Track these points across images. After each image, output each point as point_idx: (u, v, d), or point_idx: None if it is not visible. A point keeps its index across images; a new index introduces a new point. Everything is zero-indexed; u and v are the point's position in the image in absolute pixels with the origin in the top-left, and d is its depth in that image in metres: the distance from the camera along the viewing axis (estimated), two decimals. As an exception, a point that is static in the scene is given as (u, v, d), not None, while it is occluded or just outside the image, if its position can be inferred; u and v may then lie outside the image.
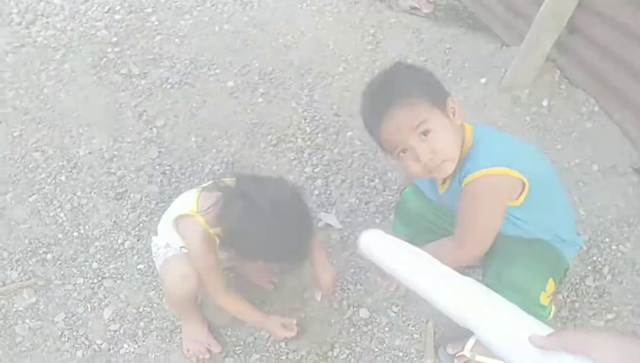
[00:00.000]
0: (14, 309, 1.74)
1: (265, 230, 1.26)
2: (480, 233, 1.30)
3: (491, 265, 1.41)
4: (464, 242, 1.32)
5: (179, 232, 1.43)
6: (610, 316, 1.65)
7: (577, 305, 1.69)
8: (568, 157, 2.09)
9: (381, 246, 1.20)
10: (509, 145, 1.35)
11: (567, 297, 1.70)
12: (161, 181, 2.08)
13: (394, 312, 1.71)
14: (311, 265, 1.59)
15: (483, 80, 2.41)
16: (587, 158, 2.07)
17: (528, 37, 2.15)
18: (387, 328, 1.68)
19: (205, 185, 1.49)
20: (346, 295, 1.76)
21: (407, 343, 1.65)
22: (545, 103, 2.26)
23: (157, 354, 1.65)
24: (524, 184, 1.27)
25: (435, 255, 1.38)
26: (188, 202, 1.43)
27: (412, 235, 1.69)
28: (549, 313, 1.39)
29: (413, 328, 1.67)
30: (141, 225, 1.95)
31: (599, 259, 1.78)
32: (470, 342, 1.55)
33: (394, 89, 1.27)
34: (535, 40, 2.14)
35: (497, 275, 1.35)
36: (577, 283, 1.73)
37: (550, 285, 1.36)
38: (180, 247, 1.47)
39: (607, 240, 1.82)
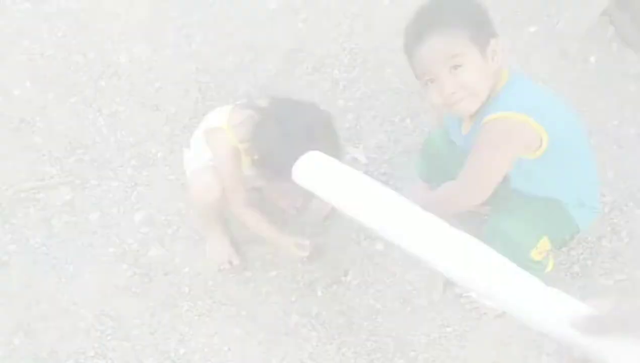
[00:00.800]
0: (52, 203, 1.86)
1: (297, 153, 1.30)
2: (482, 175, 1.29)
3: (491, 217, 1.44)
4: (465, 185, 1.32)
5: (208, 144, 1.49)
6: (620, 277, 1.68)
7: (589, 262, 1.72)
8: (607, 117, 2.04)
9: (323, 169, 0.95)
10: (537, 96, 1.34)
11: (581, 254, 1.73)
12: (196, 97, 2.12)
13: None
14: None
15: (532, 29, 2.32)
16: (625, 121, 2.02)
17: (587, -13, 2.05)
18: (399, 262, 1.75)
19: (238, 102, 1.53)
20: (364, 228, 1.82)
21: (418, 278, 1.72)
22: (592, 59, 2.18)
23: (182, 259, 1.76)
24: (541, 139, 1.26)
25: (438, 199, 1.43)
26: (220, 116, 1.49)
27: (432, 177, 1.72)
28: (545, 268, 1.43)
29: (424, 266, 1.73)
30: (174, 138, 2.02)
31: (619, 222, 1.79)
32: (478, 284, 1.60)
33: (438, 15, 1.27)
34: (593, -9, 2.03)
35: (493, 226, 1.38)
36: (592, 242, 1.75)
37: (544, 243, 1.38)
38: (209, 159, 1.54)
39: (630, 204, 1.82)
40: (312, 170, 0.95)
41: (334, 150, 1.39)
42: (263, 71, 2.20)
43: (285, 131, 1.32)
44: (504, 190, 1.39)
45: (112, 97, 2.09)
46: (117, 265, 1.74)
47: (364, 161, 1.97)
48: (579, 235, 1.73)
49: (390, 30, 2.35)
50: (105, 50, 2.20)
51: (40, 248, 1.77)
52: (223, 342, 1.64)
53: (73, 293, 1.71)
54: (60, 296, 1.71)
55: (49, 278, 1.73)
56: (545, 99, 1.34)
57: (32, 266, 1.74)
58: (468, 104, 1.28)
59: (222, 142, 1.44)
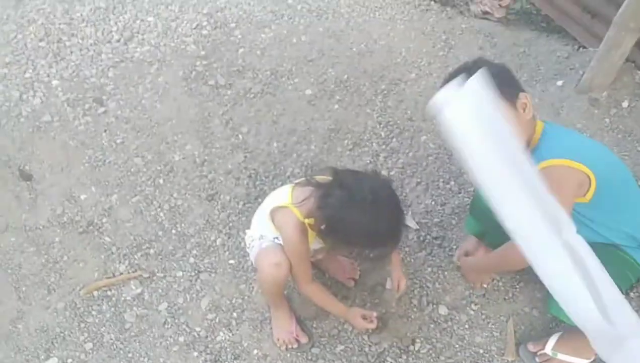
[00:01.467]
0: (123, 298, 1.95)
1: (366, 216, 1.38)
2: None
3: None
4: None
5: (274, 223, 1.57)
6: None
7: (662, 307, 1.67)
8: (651, 159, 2.06)
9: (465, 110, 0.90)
10: (574, 140, 1.42)
11: (653, 299, 1.69)
12: (247, 183, 2.24)
13: (473, 310, 1.77)
14: (388, 265, 1.71)
15: (559, 83, 2.41)
16: (671, 160, 2.03)
17: (607, 38, 2.14)
18: (467, 325, 1.74)
19: (297, 181, 1.62)
20: (425, 292, 1.84)
21: (488, 340, 1.70)
22: (625, 104, 2.23)
23: (250, 342, 1.80)
24: (589, 179, 1.30)
25: (501, 258, 1.47)
26: (283, 195, 1.57)
27: (483, 232, 1.75)
28: None
29: (493, 326, 1.72)
30: (231, 224, 2.12)
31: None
32: (552, 340, 1.58)
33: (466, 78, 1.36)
34: (614, 41, 2.12)
35: None
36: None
37: None
38: (274, 238, 1.61)
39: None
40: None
41: (399, 213, 1.45)
42: (307, 152, 2.33)
43: (351, 197, 1.40)
44: None
45: (170, 193, 2.23)
46: (189, 353, 1.79)
47: (415, 227, 2.01)
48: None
49: (420, 100, 2.49)
50: (160, 151, 2.37)
51: (115, 343, 1.84)
52: (298, 423, 1.63)
53: (148, 385, 1.75)
54: (136, 390, 1.75)
55: (125, 373, 1.79)
56: (583, 142, 1.41)
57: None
58: None
59: (288, 219, 1.52)
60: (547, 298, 1.55)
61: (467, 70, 1.42)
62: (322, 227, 1.46)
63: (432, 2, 3.12)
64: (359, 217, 1.39)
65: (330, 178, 1.56)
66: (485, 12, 3.00)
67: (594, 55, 2.31)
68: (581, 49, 2.57)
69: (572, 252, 0.85)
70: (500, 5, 2.98)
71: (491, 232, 1.72)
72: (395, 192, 1.48)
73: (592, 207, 1.36)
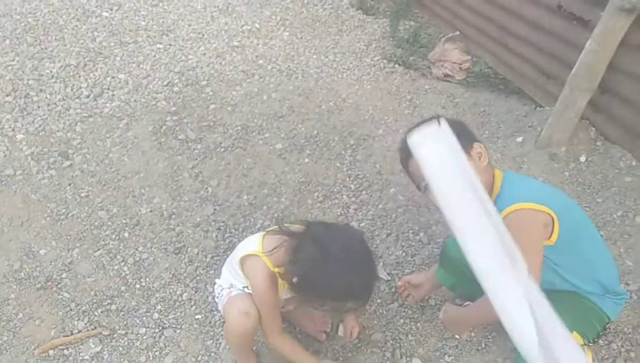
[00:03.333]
0: (80, 358, 1.83)
1: (338, 272, 1.36)
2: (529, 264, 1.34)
3: None
4: None
5: (244, 271, 1.53)
6: (668, 365, 1.63)
7: (632, 354, 1.67)
8: (610, 210, 2.13)
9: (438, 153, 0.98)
10: (534, 185, 1.51)
11: (622, 346, 1.70)
12: (216, 236, 2.20)
13: (447, 362, 1.73)
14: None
15: (519, 139, 2.52)
16: (629, 210, 2.11)
17: (562, 98, 2.28)
18: (441, 377, 1.69)
19: (269, 229, 1.60)
20: (398, 345, 1.80)
21: (462, 392, 1.65)
22: (582, 159, 2.34)
23: (216, 402, 1.69)
24: (552, 219, 1.34)
25: (481, 308, 1.46)
26: (253, 243, 1.54)
27: (454, 283, 1.75)
28: None
29: (467, 376, 1.68)
30: (198, 277, 2.06)
31: (651, 308, 1.78)
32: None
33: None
34: (569, 101, 2.25)
35: None
36: (629, 333, 1.73)
37: (575, 338, 1.38)
38: (244, 287, 1.56)
39: (657, 289, 1.83)
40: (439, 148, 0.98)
41: (371, 268, 1.44)
42: (277, 204, 2.32)
43: (324, 252, 1.38)
44: None
45: (135, 247, 2.16)
46: (150, 416, 1.67)
47: (387, 278, 2.00)
48: (614, 326, 1.72)
49: (388, 154, 2.55)
50: (127, 205, 2.33)
51: (69, 408, 1.71)
52: None
53: None
54: None
55: None
56: (543, 186, 1.48)
57: None
58: None
59: (258, 267, 1.48)
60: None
61: (420, 123, 1.50)
62: (294, 280, 1.43)
63: (397, 65, 3.27)
64: (332, 273, 1.37)
65: (302, 226, 1.54)
66: (447, 75, 3.17)
67: (550, 113, 2.44)
68: (538, 108, 2.71)
69: (525, 289, 0.90)
70: (460, 68, 3.15)
71: (461, 284, 1.73)
72: (368, 246, 1.47)
73: (557, 250, 1.39)
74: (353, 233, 1.47)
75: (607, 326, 1.51)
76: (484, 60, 3.19)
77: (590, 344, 1.47)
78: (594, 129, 2.40)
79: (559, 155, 2.36)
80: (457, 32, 3.30)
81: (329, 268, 1.37)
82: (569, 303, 1.44)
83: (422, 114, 2.81)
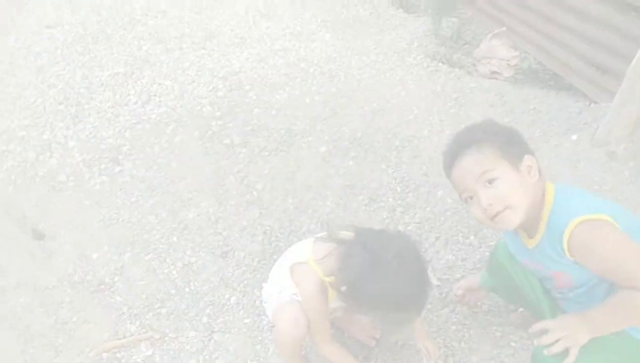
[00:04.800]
0: (133, 361, 1.86)
1: (390, 281, 1.32)
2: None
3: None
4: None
5: (293, 279, 1.52)
6: None
7: None
8: (676, 211, 2.01)
9: None
10: (593, 198, 1.35)
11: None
12: (262, 240, 2.21)
13: (503, 370, 1.67)
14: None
15: (574, 137, 2.41)
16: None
17: (620, 92, 2.17)
18: (496, 386, 1.63)
19: (318, 235, 1.58)
20: (450, 352, 1.75)
21: (519, 402, 1.59)
22: (643, 157, 2.22)
23: (266, 407, 1.69)
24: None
25: (625, 316, 1.25)
26: (303, 250, 1.53)
27: (494, 286, 1.69)
28: None
29: (522, 386, 1.62)
30: (245, 281, 2.06)
31: None
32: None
33: (468, 139, 1.35)
34: (628, 95, 2.14)
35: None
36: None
37: None
38: (293, 294, 1.55)
39: None
40: None
41: (424, 278, 1.39)
42: (322, 208, 2.31)
43: (375, 260, 1.34)
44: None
45: (184, 250, 2.19)
46: (201, 420, 1.68)
47: (436, 283, 1.95)
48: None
49: (434, 156, 2.49)
50: (175, 209, 2.36)
51: (123, 410, 1.74)
52: None
53: None
54: None
55: None
56: (602, 201, 1.35)
57: None
58: (508, 217, 1.29)
59: (308, 276, 1.46)
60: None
61: (470, 128, 1.43)
62: (342, 289, 1.41)
63: (440, 64, 3.20)
64: (383, 282, 1.33)
65: (352, 233, 1.52)
66: (494, 72, 3.07)
67: (607, 109, 2.33)
68: (592, 104, 2.59)
69: None
70: (508, 65, 3.05)
71: (502, 287, 1.67)
72: (421, 254, 1.42)
73: None
74: (405, 240, 1.42)
75: None
76: (533, 55, 3.08)
77: None
78: (655, 125, 2.27)
79: (617, 154, 2.25)
80: (504, 28, 3.20)
81: (380, 277, 1.33)
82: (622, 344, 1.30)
83: (469, 114, 2.73)
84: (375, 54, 3.28)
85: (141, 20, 3.57)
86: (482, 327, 1.79)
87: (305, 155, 2.55)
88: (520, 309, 1.77)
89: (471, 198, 1.33)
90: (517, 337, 1.75)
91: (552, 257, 1.31)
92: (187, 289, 2.06)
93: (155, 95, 2.94)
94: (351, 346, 1.78)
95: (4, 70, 3.18)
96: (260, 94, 2.91)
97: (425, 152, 2.52)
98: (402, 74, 3.10)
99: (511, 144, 1.35)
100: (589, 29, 2.55)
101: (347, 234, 1.52)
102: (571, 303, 1.40)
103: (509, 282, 1.60)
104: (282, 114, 2.78)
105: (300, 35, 3.46)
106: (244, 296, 2.01)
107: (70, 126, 2.80)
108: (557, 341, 1.25)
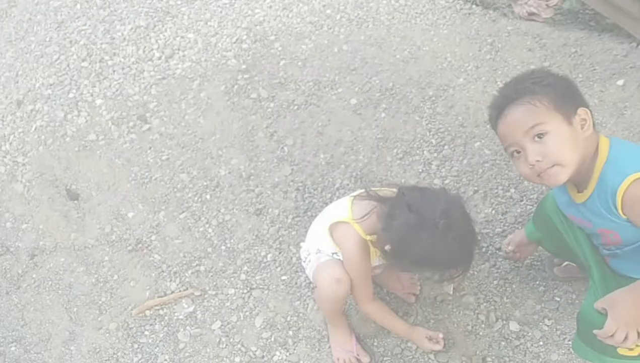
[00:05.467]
0: (175, 317, 1.90)
1: (437, 242, 1.30)
2: None
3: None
4: None
5: (333, 239, 1.50)
6: None
7: None
8: None
9: None
10: None
11: None
12: (295, 197, 2.18)
13: (547, 326, 1.66)
14: None
15: (620, 82, 2.28)
16: None
17: (674, 33, 2.02)
18: (541, 342, 1.62)
19: (355, 193, 1.55)
20: (492, 307, 1.73)
21: (565, 358, 1.58)
22: (696, 102, 2.09)
23: (307, 362, 1.71)
24: None
25: None
26: (342, 209, 1.50)
27: (540, 238, 1.63)
28: None
29: (570, 343, 1.60)
30: (281, 239, 2.06)
31: None
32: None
33: (521, 88, 1.27)
34: (682, 36, 1.99)
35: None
36: None
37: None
38: (332, 253, 1.53)
39: None
40: None
41: (472, 236, 1.36)
42: (355, 163, 2.26)
43: (421, 218, 1.31)
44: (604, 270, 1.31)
45: (217, 209, 2.19)
46: (245, 374, 1.72)
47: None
48: None
49: (470, 105, 2.39)
50: (206, 167, 2.34)
51: (168, 364, 1.79)
52: None
53: (204, 408, 1.69)
54: (192, 413, 1.69)
55: (179, 396, 1.73)
56: None
57: (162, 384, 1.75)
58: (556, 174, 1.22)
59: (349, 236, 1.44)
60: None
61: (524, 77, 1.34)
62: (387, 248, 1.38)
63: (474, 6, 3.03)
64: (429, 243, 1.30)
65: (392, 190, 1.48)
66: (531, 13, 2.89)
67: (655, 51, 2.18)
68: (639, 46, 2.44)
69: None
70: (547, 6, 2.87)
71: (548, 239, 1.62)
72: (467, 213, 1.38)
73: None
74: (451, 198, 1.38)
75: None
76: (574, -6, 2.88)
77: None
78: None
79: (668, 99, 2.13)
80: (542, -35, 2.99)
81: (425, 237, 1.30)
82: None
83: (506, 59, 2.60)
84: (404, -2, 3.12)
85: (159, -31, 3.44)
86: (525, 281, 1.76)
87: (336, 108, 2.48)
88: (565, 263, 1.73)
89: (518, 152, 1.27)
90: (562, 291, 1.72)
91: (601, 214, 1.25)
92: (223, 247, 2.06)
93: (178, 49, 2.86)
94: (391, 302, 1.78)
95: (25, 29, 3.12)
96: (285, 45, 2.80)
97: (461, 102, 2.42)
98: (434, 18, 2.95)
99: (565, 96, 1.27)
100: (638, -37, 2.36)
101: (387, 191, 1.48)
102: (620, 260, 1.35)
103: (556, 235, 1.55)
104: (309, 65, 2.69)
105: (324, -21, 3.30)
106: (280, 253, 2.01)
107: (95, 84, 2.76)
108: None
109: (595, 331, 1.21)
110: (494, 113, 1.33)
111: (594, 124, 1.27)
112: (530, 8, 2.90)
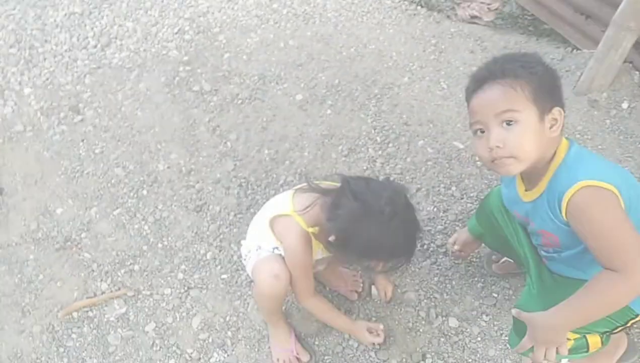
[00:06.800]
0: (106, 319, 1.79)
1: (383, 229, 1.27)
2: (633, 245, 1.10)
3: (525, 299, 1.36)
4: (626, 267, 1.09)
5: (274, 233, 1.45)
6: None
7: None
8: (654, 160, 2.01)
9: None
10: (606, 166, 1.26)
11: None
12: (238, 193, 2.11)
13: (485, 322, 1.67)
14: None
15: (556, 85, 2.36)
16: (676, 160, 1.99)
17: (606, 38, 2.10)
18: (479, 338, 1.64)
19: (297, 187, 1.51)
20: (433, 304, 1.73)
21: (502, 353, 1.60)
22: (625, 105, 2.19)
23: (247, 363, 1.66)
24: (618, 198, 1.17)
25: (599, 302, 1.14)
26: (283, 203, 1.45)
27: (482, 234, 1.64)
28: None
29: (507, 338, 1.62)
30: (222, 236, 1.98)
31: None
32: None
33: (508, 67, 1.21)
34: (613, 42, 2.08)
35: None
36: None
37: (594, 342, 1.27)
38: (273, 249, 1.49)
39: None
40: None
41: (415, 224, 1.35)
42: (300, 159, 2.22)
43: (366, 207, 1.29)
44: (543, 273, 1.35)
45: (155, 205, 2.09)
46: (180, 378, 1.64)
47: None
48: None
49: (414, 104, 2.41)
50: (143, 161, 2.23)
51: (97, 369, 1.68)
52: None
53: (135, 415, 1.59)
54: (122, 420, 1.59)
55: (109, 402, 1.62)
56: (615, 170, 1.28)
57: (90, 391, 1.64)
58: (509, 166, 1.20)
59: (291, 228, 1.39)
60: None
61: (512, 57, 1.26)
62: (331, 239, 1.35)
63: (419, 7, 3.07)
64: (375, 231, 1.28)
65: (334, 184, 1.45)
66: (474, 17, 2.96)
67: (589, 56, 2.27)
68: (575, 50, 2.53)
69: None
70: (489, 9, 2.94)
71: (489, 235, 1.62)
72: (410, 201, 1.37)
73: None
74: (395, 188, 1.37)
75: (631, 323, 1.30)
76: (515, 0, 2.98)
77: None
78: (637, 72, 2.24)
79: (599, 102, 2.22)
80: (485, -30, 3.07)
81: (372, 225, 1.28)
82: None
83: (449, 60, 2.64)
84: (352, -4, 3.11)
85: (97, -46, 3.27)
86: (464, 278, 1.78)
87: (281, 104, 2.43)
88: (503, 259, 1.76)
89: (482, 131, 1.23)
90: (499, 287, 1.74)
91: (545, 215, 1.25)
92: (160, 245, 1.97)
93: (115, 37, 2.73)
94: (333, 300, 1.75)
95: (-56, 8, 2.89)
96: (230, 38, 2.73)
97: (406, 100, 2.43)
98: (380, 17, 2.96)
99: (547, 90, 1.22)
100: (574, -28, 2.46)
101: (329, 184, 1.45)
102: (556, 263, 1.37)
103: (497, 231, 1.56)
104: (254, 59, 2.63)
105: (271, -27, 3.24)
106: (220, 251, 1.94)
107: (24, 71, 2.58)
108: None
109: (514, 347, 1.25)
110: (473, 85, 1.26)
111: (563, 126, 1.23)
112: (472, 11, 2.97)
